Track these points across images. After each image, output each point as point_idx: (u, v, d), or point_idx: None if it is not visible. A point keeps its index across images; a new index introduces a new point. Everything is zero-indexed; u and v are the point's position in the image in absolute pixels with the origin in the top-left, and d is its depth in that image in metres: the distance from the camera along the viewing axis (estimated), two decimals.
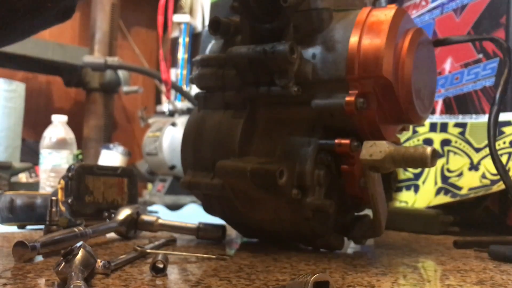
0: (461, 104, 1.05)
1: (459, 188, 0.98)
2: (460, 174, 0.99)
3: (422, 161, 0.52)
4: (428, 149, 0.52)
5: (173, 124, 1.63)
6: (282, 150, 0.65)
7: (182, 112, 1.78)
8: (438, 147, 1.04)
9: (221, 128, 0.69)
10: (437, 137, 1.06)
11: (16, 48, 1.82)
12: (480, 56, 1.03)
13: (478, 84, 1.02)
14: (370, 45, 0.60)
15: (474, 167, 0.98)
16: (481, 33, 1.02)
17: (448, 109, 1.07)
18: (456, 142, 1.03)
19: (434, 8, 1.14)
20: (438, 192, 1.01)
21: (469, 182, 0.97)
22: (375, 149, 0.57)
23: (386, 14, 0.62)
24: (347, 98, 0.61)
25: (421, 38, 0.66)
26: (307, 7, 0.64)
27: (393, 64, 0.61)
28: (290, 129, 0.66)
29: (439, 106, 1.09)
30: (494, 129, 0.69)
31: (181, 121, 1.63)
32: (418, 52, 0.65)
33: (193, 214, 1.21)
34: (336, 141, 0.63)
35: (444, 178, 1.01)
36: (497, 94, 0.70)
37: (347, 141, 0.62)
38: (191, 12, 2.24)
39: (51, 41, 2.02)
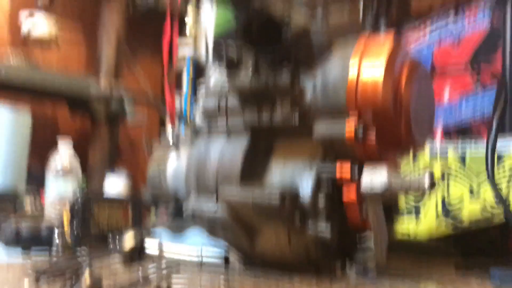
0: (460, 132, 1.06)
1: (461, 220, 0.98)
2: (461, 204, 1.00)
3: (420, 188, 0.54)
4: (426, 176, 0.53)
5: (177, 152, 1.64)
6: (284, 176, 0.67)
7: (186, 140, 1.79)
8: (439, 175, 1.05)
9: (223, 155, 0.70)
10: (437, 165, 1.07)
11: (23, 77, 1.86)
12: (478, 86, 1.05)
13: (476, 113, 1.04)
14: (368, 75, 0.62)
15: (474, 195, 0.98)
16: (478, 65, 1.05)
17: (447, 137, 1.09)
18: (456, 171, 1.04)
19: (432, 40, 1.17)
20: (439, 223, 1.02)
21: (470, 214, 0.97)
22: (375, 177, 0.58)
23: (384, 45, 0.64)
24: (347, 127, 0.62)
25: (419, 69, 0.68)
26: (308, 38, 0.67)
27: (392, 94, 0.63)
28: (292, 156, 0.68)
29: (438, 135, 1.11)
30: (492, 159, 0.70)
31: (185, 149, 1.64)
32: (416, 82, 0.66)
33: (196, 239, 1.21)
34: (337, 168, 0.64)
35: (445, 210, 1.02)
36: (494, 123, 0.71)
37: (347, 169, 0.64)
38: (195, 45, 2.28)
39: (58, 71, 2.06)
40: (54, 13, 2.17)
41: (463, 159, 1.04)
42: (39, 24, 1.90)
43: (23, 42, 1.98)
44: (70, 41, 2.34)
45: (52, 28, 1.92)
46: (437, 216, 1.03)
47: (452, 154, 1.06)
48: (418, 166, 1.11)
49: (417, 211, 1.07)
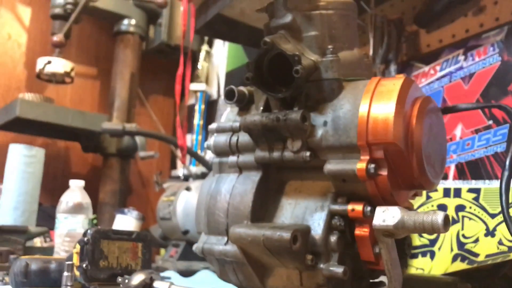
0: (473, 169, 1.05)
1: (476, 255, 0.96)
2: (476, 240, 0.98)
3: (433, 228, 0.53)
4: (439, 216, 0.52)
5: (188, 189, 1.64)
6: (295, 215, 0.66)
7: (197, 177, 1.79)
8: (453, 213, 1.03)
9: (234, 193, 0.70)
10: (451, 203, 1.06)
11: (38, 115, 1.89)
12: (490, 122, 1.04)
13: (489, 149, 1.03)
14: (379, 112, 0.62)
15: (490, 233, 0.96)
16: (489, 100, 1.04)
17: (460, 174, 1.08)
18: (470, 207, 1.02)
19: (443, 76, 1.18)
20: (454, 258, 0.99)
21: (485, 248, 0.95)
22: (387, 215, 0.57)
23: (394, 83, 0.64)
24: (359, 164, 0.62)
25: (429, 106, 0.68)
26: (318, 77, 0.67)
27: (403, 131, 0.63)
28: (303, 194, 0.67)
29: (451, 172, 1.09)
30: (506, 195, 0.69)
31: (196, 185, 1.64)
32: (427, 120, 0.66)
33: (206, 280, 1.20)
34: (349, 206, 0.63)
35: (460, 245, 1.00)
36: (507, 159, 0.70)
37: (360, 206, 0.63)
38: (207, 81, 2.32)
39: (71, 108, 2.09)
40: (69, 50, 2.22)
41: (477, 197, 1.02)
42: (53, 60, 1.94)
43: (37, 77, 2.02)
44: (84, 76, 2.39)
45: (66, 64, 1.96)
46: (452, 250, 1.01)
47: (465, 192, 1.05)
48: (431, 204, 1.09)
49: (431, 244, 1.05)
